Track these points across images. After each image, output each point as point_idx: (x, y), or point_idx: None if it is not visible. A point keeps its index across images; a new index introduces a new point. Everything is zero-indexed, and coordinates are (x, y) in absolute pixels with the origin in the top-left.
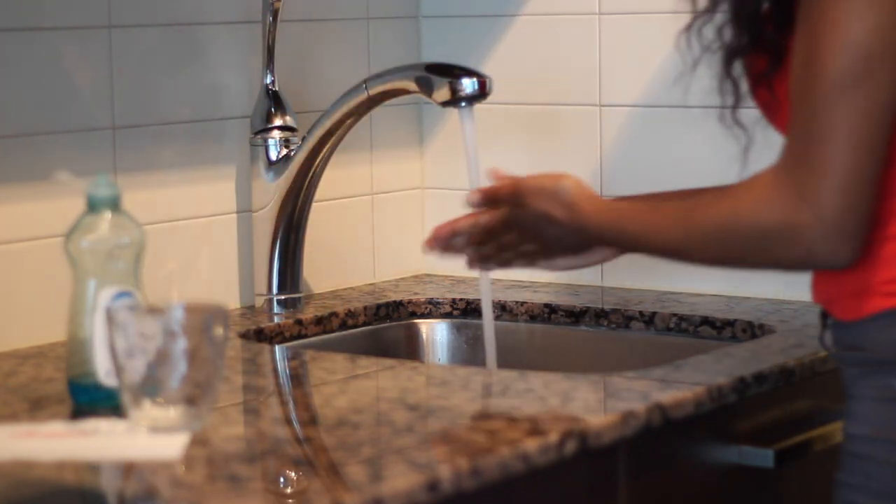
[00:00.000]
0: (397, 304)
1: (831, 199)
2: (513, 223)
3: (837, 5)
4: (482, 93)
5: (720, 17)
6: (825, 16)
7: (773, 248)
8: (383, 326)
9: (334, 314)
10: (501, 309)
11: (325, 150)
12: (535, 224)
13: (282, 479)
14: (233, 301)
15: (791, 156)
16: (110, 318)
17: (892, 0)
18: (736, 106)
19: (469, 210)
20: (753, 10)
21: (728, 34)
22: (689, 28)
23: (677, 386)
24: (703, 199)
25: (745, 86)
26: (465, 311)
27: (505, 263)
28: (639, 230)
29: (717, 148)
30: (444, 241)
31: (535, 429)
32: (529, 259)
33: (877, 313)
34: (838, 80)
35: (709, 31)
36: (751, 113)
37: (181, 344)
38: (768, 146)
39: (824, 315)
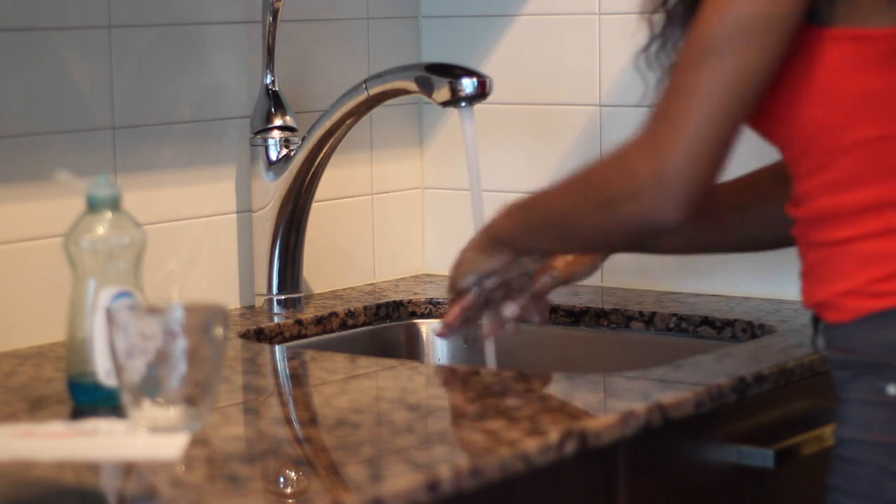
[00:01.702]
0: (397, 304)
1: (671, 152)
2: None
3: None
4: (482, 93)
5: (675, 35)
6: None
7: (610, 198)
8: (383, 326)
9: (334, 314)
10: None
11: (325, 150)
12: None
13: (282, 479)
14: (233, 301)
15: (652, 115)
16: (110, 318)
17: None
18: None
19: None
20: None
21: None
22: (646, 50)
23: (677, 386)
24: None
25: None
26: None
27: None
28: (527, 208)
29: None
30: (458, 326)
31: (535, 429)
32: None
33: (864, 316)
34: (707, 44)
35: (667, 52)
36: None
37: (181, 344)
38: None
39: (815, 318)
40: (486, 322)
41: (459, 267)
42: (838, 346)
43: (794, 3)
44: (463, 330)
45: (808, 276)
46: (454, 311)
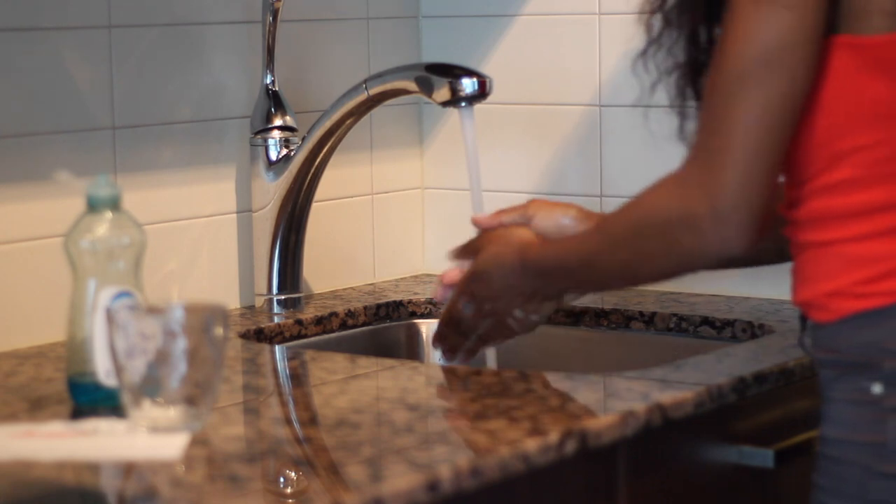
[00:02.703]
0: (397, 304)
1: (726, 189)
2: (469, 288)
3: (744, 5)
4: (482, 93)
5: (672, 39)
6: (734, 15)
7: (671, 240)
8: (383, 326)
9: (334, 314)
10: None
11: (325, 150)
12: (488, 273)
13: (282, 479)
14: (233, 301)
15: (694, 150)
16: (110, 318)
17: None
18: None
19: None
20: (701, 30)
21: (679, 55)
22: (644, 53)
23: (677, 386)
24: (621, 206)
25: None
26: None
27: (469, 351)
28: (561, 248)
29: None
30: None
31: (535, 429)
32: (492, 336)
33: (848, 315)
34: (739, 75)
35: (662, 55)
36: None
37: (181, 344)
38: None
39: (803, 318)
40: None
41: (494, 293)
42: (824, 345)
43: (816, 22)
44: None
45: (797, 276)
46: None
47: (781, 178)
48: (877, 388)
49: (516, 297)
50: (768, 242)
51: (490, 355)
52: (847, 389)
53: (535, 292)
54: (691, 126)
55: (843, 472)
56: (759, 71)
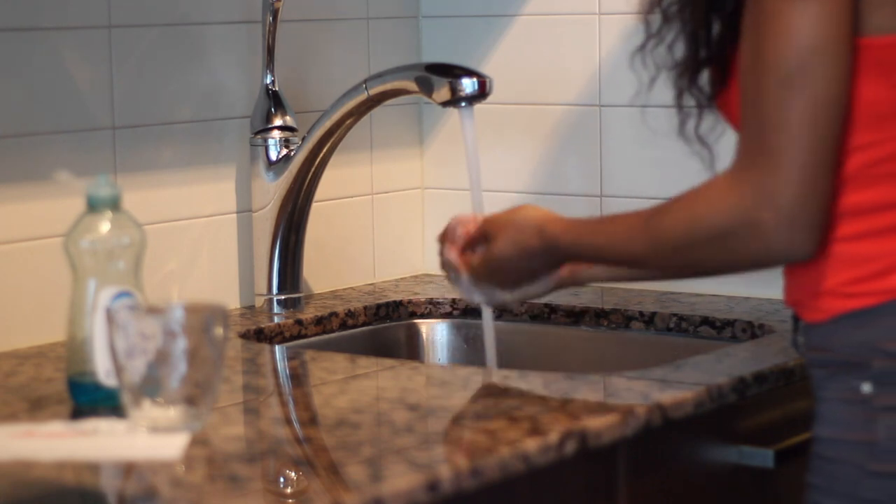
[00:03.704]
0: (397, 304)
1: (787, 191)
2: (488, 277)
3: (775, 2)
4: (482, 93)
5: (671, 35)
6: (768, 13)
7: (734, 245)
8: (383, 326)
9: (334, 314)
10: (501, 309)
11: (325, 150)
12: (509, 260)
13: (282, 479)
14: (233, 301)
15: (746, 153)
16: (110, 318)
17: None
18: (698, 119)
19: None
20: (702, 26)
21: (680, 52)
22: (642, 48)
23: (677, 386)
24: (665, 206)
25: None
26: (465, 311)
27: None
28: (604, 241)
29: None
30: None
31: (535, 429)
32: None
33: (839, 315)
34: (786, 75)
35: (662, 51)
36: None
37: (181, 344)
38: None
39: (795, 318)
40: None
41: (510, 276)
42: (815, 345)
43: (849, 15)
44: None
45: (788, 276)
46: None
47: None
48: (867, 388)
49: (533, 278)
50: None
51: (490, 355)
52: (838, 389)
53: (553, 269)
54: (692, 124)
55: (836, 471)
56: (805, 68)
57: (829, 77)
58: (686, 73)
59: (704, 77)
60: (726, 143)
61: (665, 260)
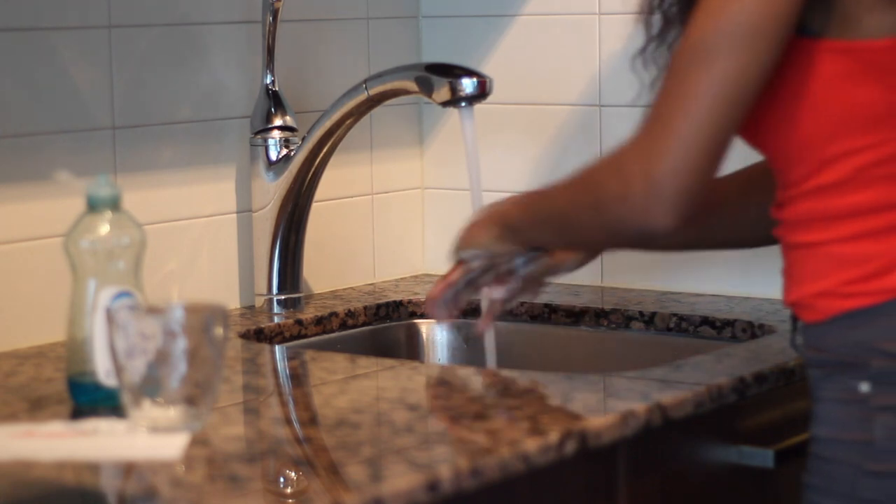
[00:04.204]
0: (397, 304)
1: (661, 160)
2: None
3: None
4: (482, 93)
5: (672, 36)
6: None
7: (601, 201)
8: (383, 326)
9: (334, 314)
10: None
11: (325, 150)
12: (468, 234)
13: (282, 479)
14: (233, 301)
15: (644, 117)
16: (110, 318)
17: None
18: None
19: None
20: None
21: None
22: (643, 51)
23: (677, 386)
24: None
25: None
26: (465, 311)
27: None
28: (543, 196)
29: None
30: (442, 302)
31: (535, 429)
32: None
33: (836, 315)
34: (700, 47)
35: (663, 53)
36: None
37: (181, 344)
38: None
39: (794, 318)
40: (481, 314)
41: (466, 240)
42: (813, 345)
43: (787, 10)
44: (445, 309)
45: (786, 276)
46: (439, 286)
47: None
48: (864, 387)
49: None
50: (703, 229)
51: (490, 355)
52: (836, 389)
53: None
54: None
55: (834, 471)
56: (722, 45)
57: (742, 59)
58: None
59: None
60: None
61: (558, 209)
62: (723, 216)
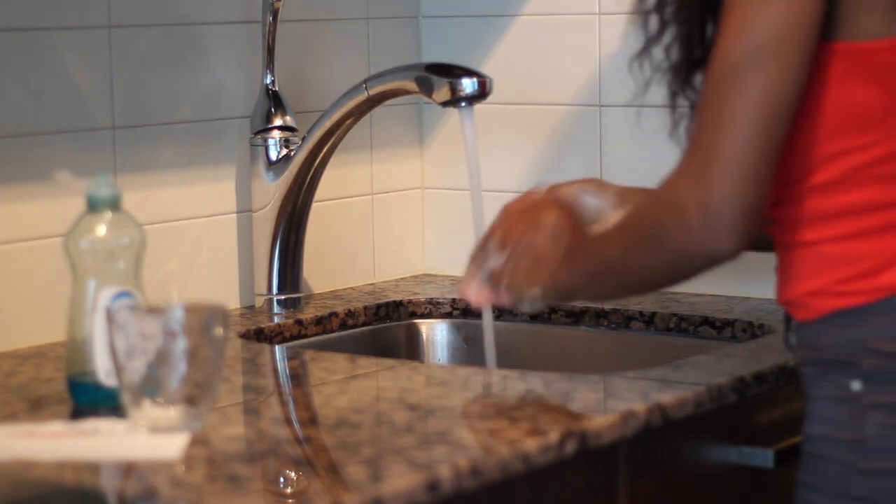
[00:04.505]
0: (397, 304)
1: (715, 186)
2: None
3: (740, 1)
4: (482, 93)
5: (668, 37)
6: (729, 11)
7: (663, 237)
8: (383, 326)
9: (334, 314)
10: (501, 309)
11: (325, 150)
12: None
13: (282, 479)
14: (233, 301)
15: (688, 147)
16: (110, 318)
17: None
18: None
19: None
20: (696, 28)
21: (675, 54)
22: (641, 53)
23: (677, 386)
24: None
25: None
26: (465, 311)
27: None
28: (590, 249)
29: None
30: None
31: (535, 429)
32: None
33: (829, 314)
34: (731, 69)
35: (658, 53)
36: None
37: (181, 344)
38: None
39: (788, 317)
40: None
41: (513, 284)
42: (806, 343)
43: (810, 19)
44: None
45: (780, 275)
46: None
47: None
48: (856, 386)
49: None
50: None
51: (490, 355)
52: (828, 387)
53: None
54: (684, 125)
55: (827, 469)
56: (751, 64)
57: (775, 74)
58: (680, 74)
59: (699, 79)
60: None
61: (611, 251)
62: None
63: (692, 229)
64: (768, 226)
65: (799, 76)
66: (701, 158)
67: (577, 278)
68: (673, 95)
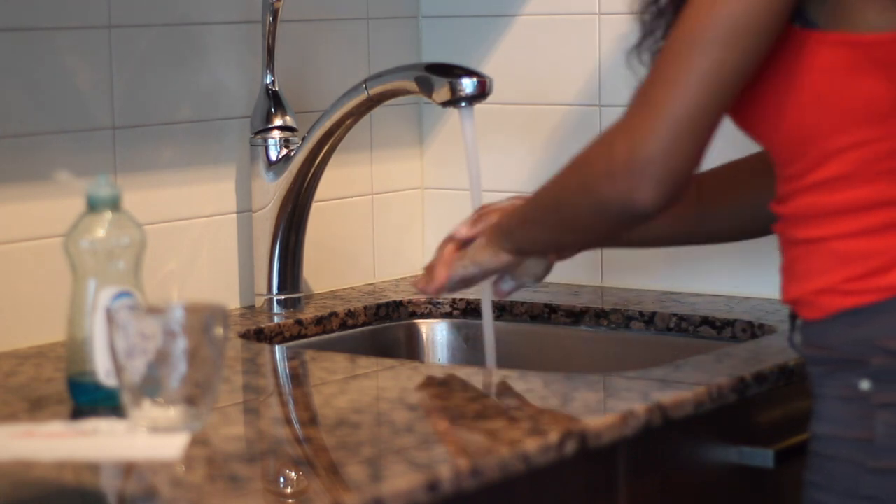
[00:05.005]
0: (397, 304)
1: (648, 136)
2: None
3: None
4: (482, 93)
5: (662, 29)
6: None
7: (593, 178)
8: (383, 326)
9: (334, 314)
10: (501, 309)
11: (325, 150)
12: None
13: (282, 479)
14: (233, 301)
15: (634, 99)
16: (110, 318)
17: None
18: None
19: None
20: None
21: None
22: (638, 46)
23: (677, 386)
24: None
25: None
26: (465, 311)
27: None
28: (531, 196)
29: (717, 147)
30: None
31: (535, 429)
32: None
33: (838, 312)
34: (696, 38)
35: (655, 46)
36: None
37: (181, 344)
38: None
39: (793, 315)
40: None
41: (464, 257)
42: (813, 342)
43: (783, 6)
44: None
45: (786, 273)
46: (440, 275)
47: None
48: (865, 385)
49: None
50: (665, 218)
51: (490, 355)
52: (836, 386)
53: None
54: None
55: (835, 468)
56: (716, 37)
57: (736, 52)
58: None
59: None
60: (718, 134)
61: (548, 195)
62: (710, 208)
63: (615, 175)
64: (692, 201)
65: (759, 58)
66: (645, 112)
67: (517, 220)
68: None
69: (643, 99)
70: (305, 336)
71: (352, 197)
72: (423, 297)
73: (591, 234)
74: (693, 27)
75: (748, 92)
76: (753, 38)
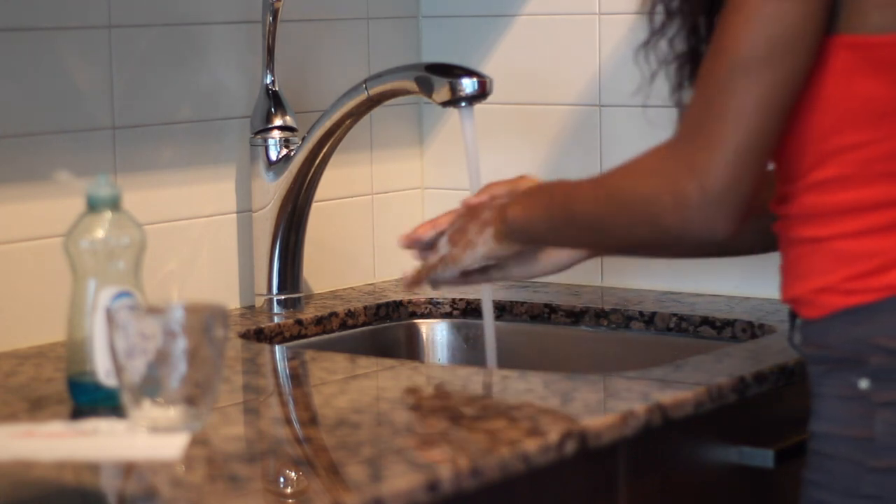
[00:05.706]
0: (397, 304)
1: (717, 171)
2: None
3: None
4: (482, 93)
5: (673, 30)
6: (737, 4)
7: (655, 214)
8: (383, 326)
9: (334, 314)
10: (501, 309)
11: (325, 150)
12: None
13: (282, 479)
14: (233, 301)
15: (686, 129)
16: (110, 318)
17: None
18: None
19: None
20: (703, 20)
21: (679, 45)
22: (646, 45)
23: (677, 386)
24: (610, 171)
25: None
26: (465, 311)
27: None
28: (557, 199)
29: None
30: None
31: (535, 429)
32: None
33: (837, 311)
34: (741, 63)
35: (664, 45)
36: None
37: (181, 344)
38: None
39: (793, 314)
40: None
41: (468, 246)
42: (813, 341)
43: (820, 17)
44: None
45: (786, 272)
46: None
47: (770, 166)
48: (864, 384)
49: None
50: (748, 233)
51: (490, 355)
52: (835, 385)
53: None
54: None
55: (835, 467)
56: (761, 61)
57: (784, 72)
58: (686, 65)
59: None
60: None
61: (591, 222)
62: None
63: (691, 211)
64: (759, 217)
65: (805, 73)
66: (705, 145)
67: (537, 222)
68: (678, 86)
69: (698, 131)
70: (305, 336)
71: (352, 197)
72: (422, 298)
73: (643, 253)
74: (733, 53)
75: None
76: (795, 55)
